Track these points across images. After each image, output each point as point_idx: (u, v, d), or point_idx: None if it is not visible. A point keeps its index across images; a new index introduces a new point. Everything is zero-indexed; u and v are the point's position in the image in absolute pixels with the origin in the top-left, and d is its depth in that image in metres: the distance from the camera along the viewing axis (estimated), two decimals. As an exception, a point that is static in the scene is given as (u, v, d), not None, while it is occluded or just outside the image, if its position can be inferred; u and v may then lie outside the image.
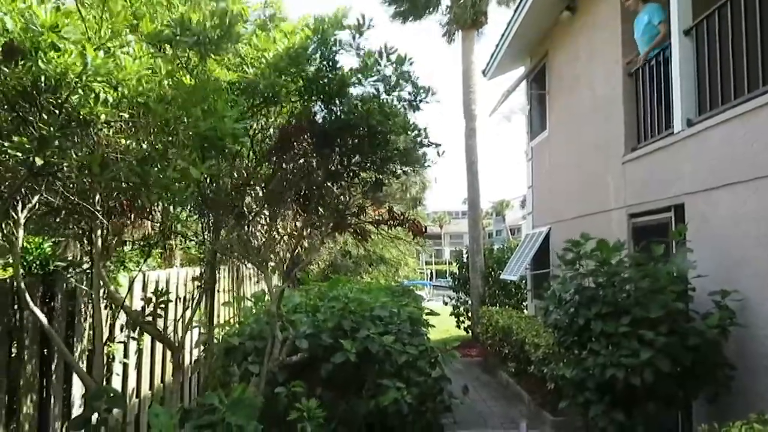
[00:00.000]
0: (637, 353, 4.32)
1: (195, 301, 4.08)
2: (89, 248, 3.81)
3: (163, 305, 4.07)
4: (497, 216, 71.35)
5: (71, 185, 3.10)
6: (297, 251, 4.07)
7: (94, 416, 3.25)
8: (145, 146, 2.75)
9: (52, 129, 2.41)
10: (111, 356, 4.53)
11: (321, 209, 4.05)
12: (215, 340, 4.72)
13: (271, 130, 3.92)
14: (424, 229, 4.20)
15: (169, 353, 4.57)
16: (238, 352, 4.64)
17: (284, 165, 3.82)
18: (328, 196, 4.04)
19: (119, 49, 2.47)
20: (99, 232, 3.47)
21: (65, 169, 2.65)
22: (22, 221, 3.08)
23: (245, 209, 3.92)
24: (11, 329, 3.49)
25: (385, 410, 4.23)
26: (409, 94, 3.66)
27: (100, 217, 3.31)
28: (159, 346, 5.33)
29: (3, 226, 3.05)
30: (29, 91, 2.39)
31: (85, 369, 3.90)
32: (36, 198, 3.06)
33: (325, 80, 3.54)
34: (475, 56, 14.40)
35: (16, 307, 3.49)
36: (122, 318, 4.46)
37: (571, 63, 8.82)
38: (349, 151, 3.86)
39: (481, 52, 13.56)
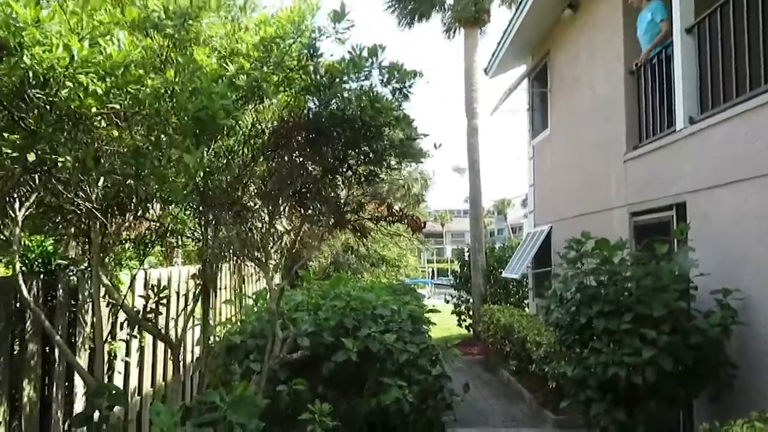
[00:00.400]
0: (639, 352, 4.31)
1: (195, 299, 4.08)
2: (88, 247, 3.81)
3: (162, 302, 4.07)
4: (499, 214, 71.35)
5: (68, 183, 3.09)
6: (296, 248, 4.06)
7: (96, 414, 3.26)
8: (137, 137, 2.74)
9: (43, 125, 2.40)
10: (113, 354, 4.54)
11: (319, 206, 4.04)
12: (217, 339, 4.73)
13: (264, 125, 3.90)
14: (423, 225, 4.19)
15: (170, 352, 4.57)
16: (240, 351, 4.64)
17: (280, 161, 3.81)
18: (326, 192, 4.03)
19: (103, 38, 2.45)
20: (97, 230, 3.47)
21: (59, 164, 2.64)
22: (20, 220, 3.08)
23: (243, 206, 3.91)
24: (13, 327, 3.49)
25: (386, 409, 4.23)
26: (398, 81, 3.64)
27: (98, 215, 3.31)
28: (160, 344, 5.34)
29: (1, 224, 3.05)
30: (18, 87, 2.37)
31: (86, 367, 3.91)
32: (33, 197, 3.06)
33: (310, 70, 3.52)
34: (477, 55, 14.39)
35: (17, 305, 3.50)
36: (123, 316, 4.47)
37: (573, 61, 8.81)
38: (345, 145, 3.85)
39: (484, 51, 13.47)
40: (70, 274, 4.16)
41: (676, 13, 5.53)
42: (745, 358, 4.49)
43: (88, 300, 4.19)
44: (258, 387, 3.81)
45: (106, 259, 3.88)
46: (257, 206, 4.01)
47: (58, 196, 3.18)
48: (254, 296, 5.52)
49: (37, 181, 2.99)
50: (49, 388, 3.83)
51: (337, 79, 3.58)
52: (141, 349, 5.00)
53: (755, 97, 4.40)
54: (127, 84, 2.47)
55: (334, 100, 3.73)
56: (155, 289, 4.14)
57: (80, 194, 3.18)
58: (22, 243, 3.98)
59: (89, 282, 4.08)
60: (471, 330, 13.87)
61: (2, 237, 3.14)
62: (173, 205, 4.08)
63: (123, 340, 4.67)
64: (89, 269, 3.95)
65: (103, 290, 3.76)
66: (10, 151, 2.36)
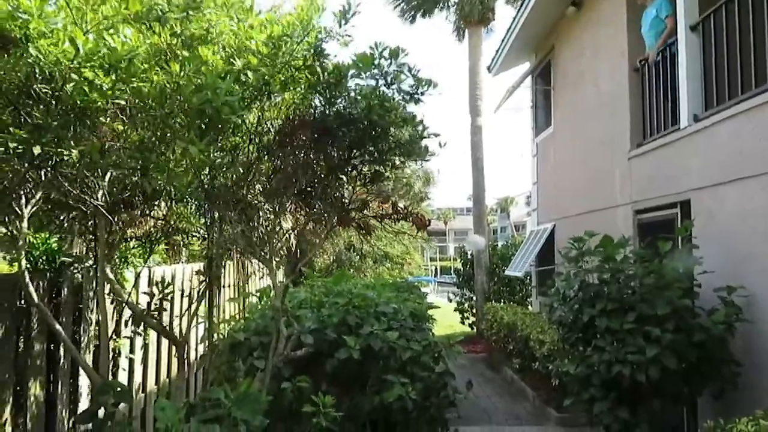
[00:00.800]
0: (643, 350, 4.31)
1: (200, 297, 4.09)
2: (93, 244, 3.82)
3: (166, 299, 4.08)
4: (502, 212, 71.29)
5: (74, 179, 3.10)
6: (300, 246, 4.07)
7: (101, 410, 3.27)
8: (141, 131, 2.75)
9: (49, 119, 2.41)
10: (117, 351, 4.55)
11: (323, 204, 4.04)
12: (221, 336, 4.74)
13: (270, 123, 3.90)
14: (427, 223, 4.19)
15: (174, 349, 4.58)
16: (244, 348, 4.64)
17: (285, 159, 3.81)
18: (331, 191, 4.03)
19: (108, 32, 2.46)
20: (103, 227, 3.48)
21: (65, 158, 2.65)
22: (26, 216, 3.09)
23: (248, 204, 3.91)
24: (18, 325, 3.51)
25: (389, 406, 4.22)
26: (410, 86, 3.63)
27: (104, 212, 3.32)
28: (165, 341, 5.35)
29: (7, 220, 3.06)
30: (24, 83, 2.38)
31: (91, 364, 3.92)
32: (40, 193, 3.07)
33: (316, 69, 3.52)
34: (482, 53, 14.40)
35: (23, 302, 3.51)
36: (128, 313, 4.48)
37: (577, 59, 8.79)
38: (350, 145, 3.84)
39: (489, 50, 13.60)
40: (75, 271, 4.17)
41: (681, 10, 5.51)
42: (749, 356, 4.48)
43: (92, 297, 4.20)
44: (262, 384, 3.82)
45: (112, 257, 3.89)
46: (262, 204, 4.02)
47: (65, 192, 3.19)
48: (258, 294, 5.52)
49: (43, 178, 3.00)
50: (54, 386, 3.84)
51: (344, 78, 3.57)
52: (145, 346, 5.01)
53: (761, 94, 4.39)
54: (132, 78, 2.48)
55: (340, 100, 3.72)
56: (159, 287, 4.15)
57: (86, 190, 3.19)
58: (27, 240, 4.00)
59: (94, 279, 4.09)
60: (474, 328, 13.88)
61: (9, 233, 3.15)
62: (179, 203, 4.09)
63: (127, 337, 4.68)
64: (94, 266, 3.96)
65: (107, 287, 3.77)
66: (16, 145, 2.37)
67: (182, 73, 2.61)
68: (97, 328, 4.17)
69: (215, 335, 4.21)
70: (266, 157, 3.87)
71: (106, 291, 3.70)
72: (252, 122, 3.76)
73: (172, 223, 4.29)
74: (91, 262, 4.14)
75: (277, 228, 4.06)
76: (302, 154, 3.82)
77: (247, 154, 3.82)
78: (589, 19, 8.21)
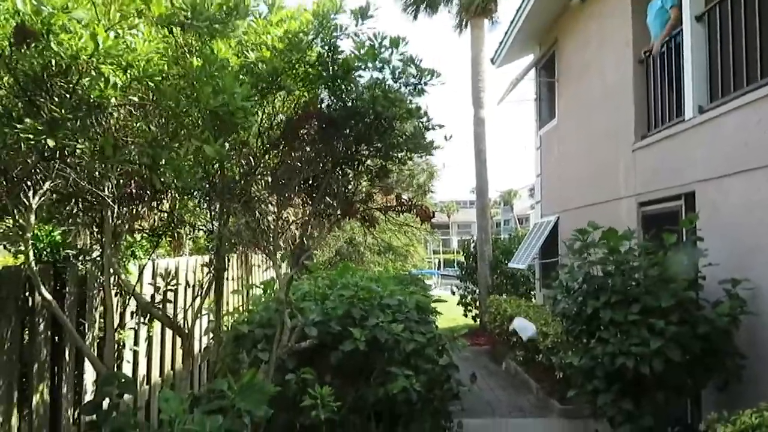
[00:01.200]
0: (647, 342, 4.31)
1: (204, 289, 4.09)
2: (99, 236, 3.83)
3: (171, 290, 4.09)
4: (505, 205, 71.12)
5: (83, 171, 3.11)
6: (304, 238, 4.07)
7: (106, 401, 3.28)
8: (154, 128, 2.76)
9: (63, 112, 2.41)
10: (122, 343, 4.56)
11: (328, 197, 4.04)
12: (225, 328, 4.75)
13: (279, 117, 3.90)
14: (432, 215, 4.19)
15: (179, 340, 4.59)
16: (248, 340, 4.66)
17: (291, 153, 3.81)
18: (336, 184, 4.03)
19: (128, 31, 2.47)
20: (109, 219, 3.48)
21: (77, 152, 2.65)
22: (34, 207, 3.10)
23: (252, 197, 3.92)
24: (24, 315, 3.52)
25: (394, 398, 4.24)
26: (414, 77, 3.62)
27: (111, 204, 3.32)
28: (169, 333, 5.37)
29: (15, 211, 3.07)
30: (40, 75, 2.39)
31: (96, 355, 3.93)
32: (47, 184, 3.07)
33: (328, 65, 3.52)
34: (484, 45, 14.35)
35: (28, 294, 3.52)
36: (132, 305, 4.49)
37: (581, 50, 8.74)
38: (356, 138, 3.84)
39: (493, 42, 13.45)
40: (80, 263, 4.18)
41: (686, 0, 5.47)
42: (754, 348, 4.48)
43: (97, 289, 4.22)
44: (266, 376, 3.83)
45: (118, 249, 3.90)
46: (266, 196, 4.02)
47: (73, 184, 3.19)
48: (262, 286, 5.53)
49: (50, 169, 3.01)
50: (59, 377, 3.86)
51: (352, 71, 3.57)
52: (149, 338, 5.03)
53: (767, 85, 4.36)
54: (149, 77, 2.49)
55: (346, 92, 3.72)
56: (164, 278, 4.16)
57: (94, 183, 3.20)
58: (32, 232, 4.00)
59: (99, 271, 4.10)
60: (477, 320, 13.89)
61: (16, 225, 3.16)
62: (185, 196, 4.10)
63: (132, 329, 4.70)
64: (99, 259, 3.97)
65: (113, 279, 3.78)
66: (31, 136, 2.37)
67: (201, 74, 2.62)
68: (101, 320, 4.18)
69: (220, 327, 4.22)
70: (273, 151, 3.87)
71: (112, 283, 3.71)
72: (261, 117, 3.76)
73: (177, 215, 4.29)
74: (96, 254, 4.15)
75: (282, 221, 4.06)
76: (308, 147, 3.82)
77: (254, 148, 3.82)
78: (594, 10, 8.16)
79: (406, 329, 4.59)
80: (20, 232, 3.11)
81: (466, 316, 14.41)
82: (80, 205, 3.64)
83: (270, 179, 3.93)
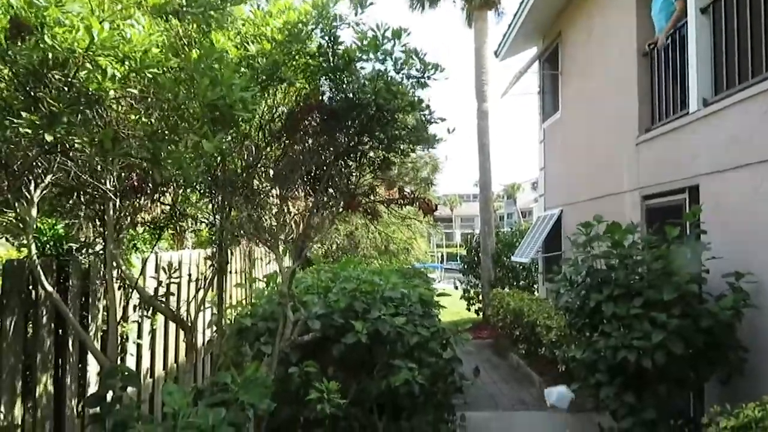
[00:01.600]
0: (649, 336, 4.30)
1: (207, 282, 4.10)
2: (102, 229, 3.84)
3: (175, 283, 4.09)
4: (508, 199, 71.08)
5: (84, 164, 3.11)
6: (307, 231, 4.07)
7: (109, 394, 3.29)
8: (153, 121, 2.75)
9: (61, 106, 2.40)
10: (125, 336, 4.58)
11: (330, 189, 4.04)
12: (228, 321, 4.76)
13: (280, 109, 3.90)
14: (434, 207, 4.18)
15: (182, 334, 4.61)
16: (251, 333, 4.67)
17: (293, 145, 3.81)
18: (338, 177, 4.02)
19: (124, 23, 2.46)
20: (111, 212, 3.49)
21: (77, 146, 2.64)
22: (36, 200, 3.10)
23: (254, 190, 3.91)
24: (28, 308, 3.53)
25: (396, 391, 4.25)
26: (417, 70, 3.60)
27: (113, 197, 3.32)
28: (172, 327, 5.38)
29: (16, 204, 3.08)
30: (38, 68, 2.38)
31: (99, 348, 3.95)
32: (49, 178, 3.07)
33: (329, 56, 3.50)
34: (488, 37, 14.28)
35: (31, 287, 3.53)
36: (136, 298, 4.50)
37: (585, 43, 8.70)
38: (358, 130, 3.83)
39: (497, 35, 13.37)
40: (83, 256, 4.19)
41: (691, -8, 5.44)
42: (756, 342, 4.47)
43: (100, 282, 4.23)
44: (269, 369, 3.84)
45: (121, 242, 3.91)
46: (268, 187, 4.02)
47: (75, 178, 3.19)
48: (265, 279, 5.54)
49: (52, 162, 3.01)
50: (62, 370, 3.88)
51: (354, 62, 3.55)
52: (153, 332, 5.04)
53: (772, 78, 4.34)
54: (146, 68, 2.48)
55: (348, 84, 3.70)
56: (167, 271, 4.17)
57: (95, 176, 3.20)
58: (35, 226, 4.01)
59: (102, 264, 4.11)
60: (480, 314, 13.90)
61: (18, 218, 3.16)
62: (187, 190, 4.10)
63: (136, 322, 4.71)
64: (102, 252, 3.98)
65: (116, 272, 3.79)
66: (29, 131, 2.37)
67: (199, 65, 2.60)
68: (105, 313, 4.19)
69: (223, 320, 4.23)
70: (274, 144, 3.87)
71: (115, 276, 3.72)
72: (262, 110, 3.76)
73: (179, 208, 4.30)
74: (99, 247, 4.16)
75: (284, 213, 4.06)
76: (310, 140, 3.81)
77: (255, 140, 3.81)
78: (598, 2, 8.12)
79: (409, 322, 4.59)
80: (22, 226, 3.12)
81: (469, 309, 14.43)
82: (82, 199, 3.64)
83: (272, 172, 3.92)
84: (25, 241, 3.21)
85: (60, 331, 3.84)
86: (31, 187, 3.10)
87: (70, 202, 3.70)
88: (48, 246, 4.22)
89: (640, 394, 4.54)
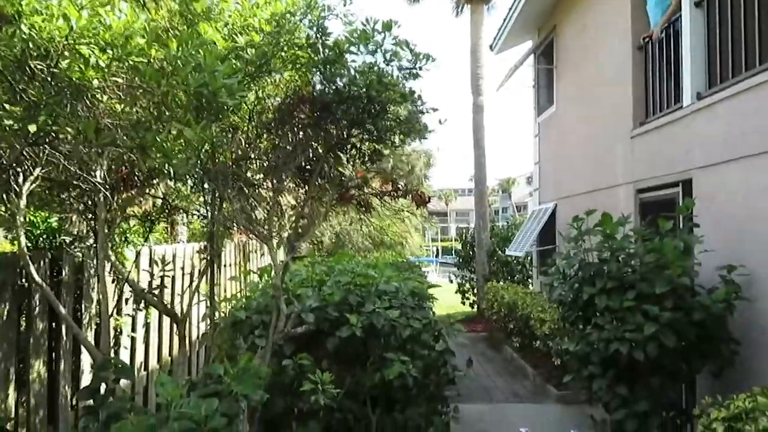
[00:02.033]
0: (641, 328, 4.32)
1: (201, 274, 4.10)
2: (93, 223, 3.82)
3: (167, 275, 4.09)
4: (503, 193, 71.18)
5: (72, 157, 3.09)
6: (300, 224, 4.07)
7: (102, 386, 3.29)
8: (139, 110, 2.73)
9: (44, 96, 2.38)
10: (119, 330, 4.57)
11: (322, 182, 4.04)
12: (222, 314, 4.76)
13: (270, 101, 3.88)
14: (427, 199, 4.19)
15: (176, 327, 4.60)
16: (245, 326, 4.67)
17: (284, 137, 3.80)
18: (329, 168, 4.02)
19: (105, 9, 2.42)
20: (102, 205, 3.47)
21: (61, 136, 2.62)
22: (24, 193, 3.09)
23: (246, 181, 3.91)
24: (21, 301, 3.53)
25: (390, 383, 4.26)
26: (408, 61, 3.60)
27: (103, 190, 3.31)
28: (166, 320, 5.38)
29: (5, 197, 3.06)
30: (20, 58, 2.36)
31: (93, 342, 3.94)
32: (38, 170, 3.06)
33: (319, 48, 3.49)
34: (483, 31, 14.26)
35: (25, 280, 3.52)
36: (128, 292, 4.50)
37: (580, 37, 8.69)
38: (349, 122, 3.82)
39: (492, 28, 13.40)
40: (76, 250, 4.18)
41: (686, -14, 5.43)
42: (748, 335, 4.49)
43: (93, 276, 4.22)
44: (263, 361, 3.85)
45: (112, 235, 3.89)
46: (260, 179, 4.01)
47: (64, 170, 3.17)
48: (259, 272, 5.54)
49: (40, 155, 2.99)
50: (56, 364, 3.87)
51: (345, 54, 3.54)
52: (147, 325, 5.04)
53: (765, 71, 4.34)
54: (129, 56, 2.45)
55: (339, 76, 3.69)
56: (160, 265, 4.16)
57: (84, 168, 3.18)
58: (27, 219, 4.00)
59: (95, 258, 4.10)
60: (475, 308, 13.94)
61: (7, 211, 3.15)
62: (178, 182, 4.08)
63: (129, 315, 4.70)
64: (95, 245, 3.97)
65: (108, 266, 3.78)
66: (12, 123, 2.35)
67: (180, 53, 2.58)
68: (98, 306, 4.19)
69: (216, 313, 4.23)
70: (265, 135, 3.85)
71: (107, 269, 3.71)
72: (252, 101, 3.74)
73: (171, 201, 4.28)
74: (91, 240, 4.15)
75: (276, 206, 4.06)
76: (301, 132, 3.81)
77: (246, 132, 3.80)
78: (593, -4, 8.10)
79: (402, 315, 4.60)
80: (11, 218, 3.11)
81: (464, 303, 14.47)
82: (73, 192, 3.62)
83: (263, 163, 3.92)
84: (15, 233, 3.20)
85: (54, 324, 3.83)
86: (20, 180, 3.08)
87: (62, 195, 3.68)
88: (42, 239, 4.21)
89: (633, 386, 4.56)
